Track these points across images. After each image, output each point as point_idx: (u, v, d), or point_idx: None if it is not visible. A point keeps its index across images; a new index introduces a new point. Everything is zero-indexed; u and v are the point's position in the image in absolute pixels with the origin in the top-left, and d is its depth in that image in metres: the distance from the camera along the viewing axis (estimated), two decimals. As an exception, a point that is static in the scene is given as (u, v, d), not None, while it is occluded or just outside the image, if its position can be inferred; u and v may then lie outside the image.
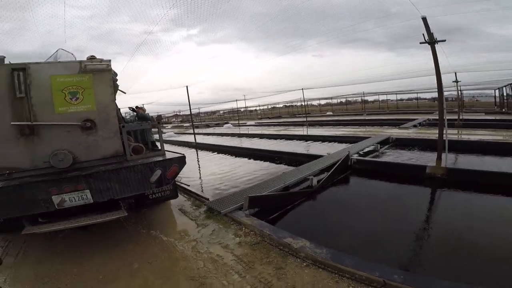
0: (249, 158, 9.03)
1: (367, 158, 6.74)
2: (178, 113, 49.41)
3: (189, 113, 18.31)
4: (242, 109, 41.74)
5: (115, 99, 3.38)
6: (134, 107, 4.75)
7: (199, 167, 8.48)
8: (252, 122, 29.13)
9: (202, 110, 43.57)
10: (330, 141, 10.68)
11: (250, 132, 16.72)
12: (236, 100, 31.95)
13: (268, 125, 22.90)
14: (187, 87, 13.99)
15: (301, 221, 4.01)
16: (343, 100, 39.70)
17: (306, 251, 2.63)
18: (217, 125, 31.23)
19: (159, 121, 3.77)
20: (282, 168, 7.26)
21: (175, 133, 22.33)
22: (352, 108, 36.37)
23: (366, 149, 7.89)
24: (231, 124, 27.44)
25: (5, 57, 3.15)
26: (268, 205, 4.20)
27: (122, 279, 2.45)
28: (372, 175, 5.96)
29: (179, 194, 4.34)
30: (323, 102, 40.71)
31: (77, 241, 3.30)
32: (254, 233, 3.15)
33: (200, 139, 15.17)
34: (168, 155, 3.42)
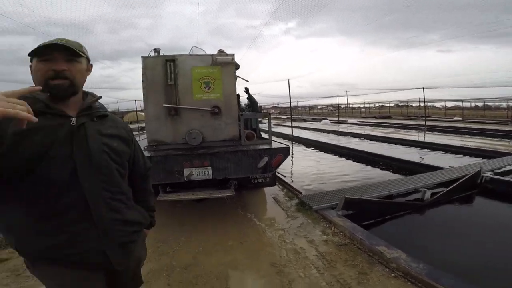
0: (348, 159, 8.48)
1: (506, 178, 5.14)
2: (276, 105, 51.48)
3: (287, 105, 18.75)
4: (343, 106, 39.41)
5: (236, 89, 3.79)
6: (247, 88, 5.12)
7: (292, 160, 8.59)
8: (354, 120, 27.09)
9: (300, 103, 43.72)
10: (455, 153, 8.71)
11: (350, 131, 15.62)
12: (338, 96, 30.38)
13: (374, 125, 20.73)
14: (288, 80, 14.28)
15: (401, 234, 3.52)
16: (479, 104, 31.44)
17: (399, 262, 2.37)
18: (314, 119, 30.68)
19: (269, 113, 4.00)
20: (388, 175, 6.47)
21: (273, 124, 23.30)
22: (491, 115, 28.40)
23: (507, 168, 6.02)
24: (329, 120, 26.39)
25: (160, 49, 3.95)
26: (366, 211, 3.87)
27: (218, 253, 2.76)
28: (509, 199, 4.55)
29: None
30: (449, 104, 33.59)
31: (189, 212, 3.89)
32: (344, 235, 3.00)
33: (297, 132, 15.31)
34: (274, 145, 3.61)
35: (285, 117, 34.47)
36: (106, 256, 0.89)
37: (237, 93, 3.84)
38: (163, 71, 3.46)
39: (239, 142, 3.58)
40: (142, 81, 3.48)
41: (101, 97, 1.04)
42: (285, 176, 5.62)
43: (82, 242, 0.86)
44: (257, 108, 4.64)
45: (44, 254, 0.85)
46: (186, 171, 3.15)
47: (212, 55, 3.55)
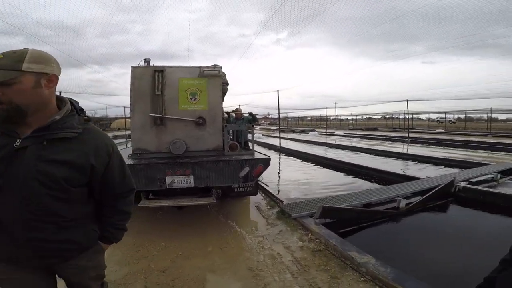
0: (333, 170, 8.73)
1: (478, 187, 5.46)
2: (267, 116, 52.14)
3: (276, 116, 19.09)
4: (331, 117, 40.25)
5: (223, 101, 3.97)
6: (228, 112, 5.37)
7: (279, 170, 8.77)
8: (341, 132, 27.73)
9: (290, 115, 44.40)
10: (434, 164, 9.12)
11: (337, 143, 16.03)
12: (326, 108, 31.16)
13: (360, 137, 21.32)
14: (278, 92, 14.68)
15: (375, 240, 3.70)
16: (462, 116, 32.90)
17: (368, 266, 2.52)
18: (303, 131, 31.19)
19: (252, 124, 4.19)
20: (368, 184, 6.72)
21: (262, 135, 23.67)
22: (472, 127, 29.70)
23: (481, 178, 6.38)
24: (317, 131, 26.91)
25: (150, 59, 4.04)
26: (343, 219, 4.05)
27: (196, 258, 2.85)
28: (481, 206, 4.85)
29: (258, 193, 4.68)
30: (433, 116, 34.90)
31: (170, 219, 3.95)
32: (319, 241, 3.15)
33: (284, 143, 15.58)
34: (256, 155, 3.77)
35: (274, 128, 34.86)
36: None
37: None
38: (151, 81, 3.58)
39: (222, 152, 3.73)
40: (130, 90, 3.60)
41: (74, 113, 1.03)
42: (268, 186, 5.75)
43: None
44: (256, 121, 4.86)
45: None
46: (168, 179, 3.26)
47: (200, 67, 3.71)
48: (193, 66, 3.80)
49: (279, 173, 8.30)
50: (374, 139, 19.20)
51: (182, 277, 2.48)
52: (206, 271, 2.61)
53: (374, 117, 40.47)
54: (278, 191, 5.79)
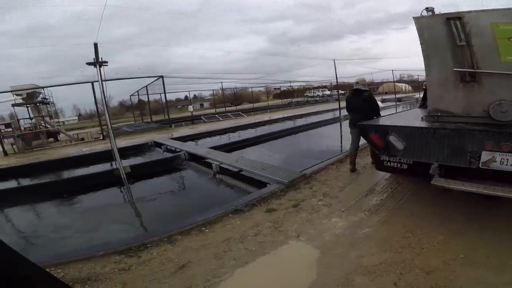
0: None
1: None
2: None
3: None
4: None
5: None
6: None
7: None
8: None
9: None
10: None
11: None
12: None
13: None
14: None
15: None
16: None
17: None
18: None
19: None
20: None
21: None
22: None
23: None
24: None
25: (433, 7, 3.32)
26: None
27: (484, 268, 1.99)
28: None
29: None
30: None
31: (461, 207, 2.97)
32: None
33: None
34: None
35: None
36: None
37: None
38: (446, 30, 2.90)
39: None
40: (420, 43, 3.11)
41: None
42: None
43: None
44: None
45: None
46: (485, 155, 2.38)
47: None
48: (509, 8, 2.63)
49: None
50: None
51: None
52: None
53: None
54: None
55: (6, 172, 7.97)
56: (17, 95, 13.43)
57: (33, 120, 14.51)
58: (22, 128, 14.19)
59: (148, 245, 2.75)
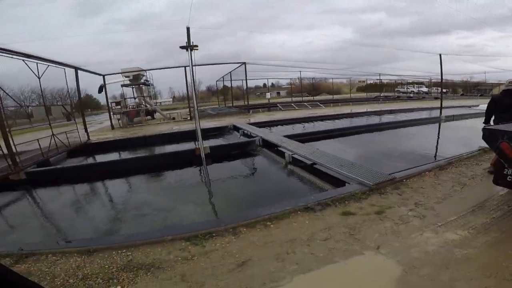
0: None
1: None
2: None
3: None
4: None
5: None
6: None
7: None
8: None
9: None
10: None
11: None
12: None
13: None
14: None
15: None
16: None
17: None
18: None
19: None
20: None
21: None
22: None
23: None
24: None
25: None
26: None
27: None
28: None
29: None
30: None
31: None
32: None
33: None
34: None
35: None
36: None
37: None
38: None
39: None
40: None
41: None
42: None
43: None
44: None
45: None
46: None
47: None
48: None
49: None
50: None
51: None
52: None
53: None
54: None
55: (111, 144, 9.69)
56: (125, 76, 15.92)
57: (136, 100, 17.25)
58: (129, 107, 17.13)
59: (214, 234, 2.74)
